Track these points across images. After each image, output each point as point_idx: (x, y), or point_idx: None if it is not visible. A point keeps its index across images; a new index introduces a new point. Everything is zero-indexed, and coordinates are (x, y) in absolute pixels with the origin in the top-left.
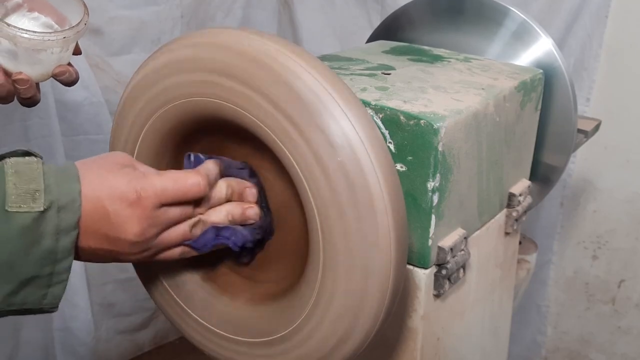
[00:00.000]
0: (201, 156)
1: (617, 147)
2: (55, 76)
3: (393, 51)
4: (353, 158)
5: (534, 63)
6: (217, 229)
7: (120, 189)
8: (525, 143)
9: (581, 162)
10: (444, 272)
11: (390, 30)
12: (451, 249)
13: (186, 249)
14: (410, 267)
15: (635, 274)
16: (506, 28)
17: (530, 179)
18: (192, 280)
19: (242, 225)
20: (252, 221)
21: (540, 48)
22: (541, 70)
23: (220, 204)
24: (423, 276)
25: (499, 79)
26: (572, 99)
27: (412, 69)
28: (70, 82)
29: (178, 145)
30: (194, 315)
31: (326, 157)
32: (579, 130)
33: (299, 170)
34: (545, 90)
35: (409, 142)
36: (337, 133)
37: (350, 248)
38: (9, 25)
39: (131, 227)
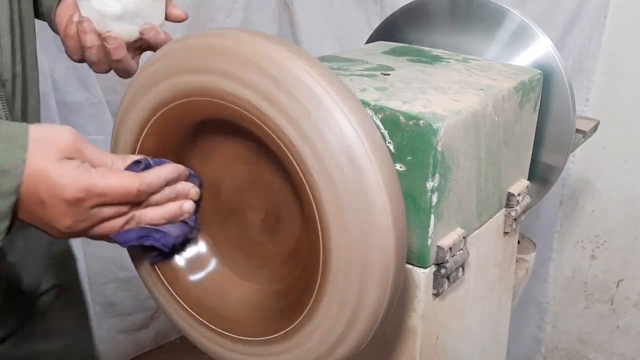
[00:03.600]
0: (151, 161)
1: (615, 147)
2: (142, 34)
3: (392, 52)
4: (353, 158)
5: (533, 64)
6: (148, 230)
7: (62, 187)
8: (524, 143)
9: (580, 162)
10: (443, 271)
11: (389, 31)
12: (450, 249)
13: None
14: (410, 266)
15: (633, 274)
16: (505, 29)
17: (528, 179)
18: (192, 279)
19: (179, 221)
20: (187, 215)
21: (539, 49)
22: (540, 71)
23: (160, 204)
24: (422, 275)
25: (497, 79)
26: (571, 99)
27: (411, 69)
28: (159, 42)
29: (179, 144)
30: (194, 314)
31: (326, 157)
32: (578, 130)
33: (298, 170)
34: (544, 90)
35: (408, 142)
36: (336, 133)
37: (349, 248)
38: None
39: (63, 221)
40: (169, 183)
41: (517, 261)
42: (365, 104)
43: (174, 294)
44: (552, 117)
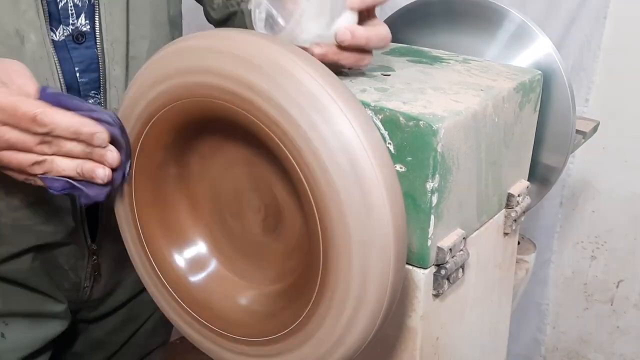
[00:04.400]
0: (67, 101)
1: (615, 147)
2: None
3: (392, 52)
4: (353, 159)
5: (533, 64)
6: (72, 186)
7: None
8: (524, 144)
9: (580, 163)
10: (443, 272)
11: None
12: (450, 249)
13: (35, 178)
14: (410, 267)
15: (633, 274)
16: (505, 29)
17: (528, 180)
18: (192, 280)
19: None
20: (99, 181)
21: (539, 49)
22: (540, 72)
23: (70, 155)
24: (422, 276)
25: (497, 80)
26: (571, 99)
27: (411, 70)
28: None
29: (180, 144)
30: (193, 314)
31: (326, 158)
32: (578, 131)
33: (299, 171)
34: (544, 91)
35: (408, 143)
36: (337, 134)
37: (349, 248)
38: None
39: None
40: (83, 138)
41: (517, 262)
42: (365, 104)
43: (173, 294)
44: (552, 118)
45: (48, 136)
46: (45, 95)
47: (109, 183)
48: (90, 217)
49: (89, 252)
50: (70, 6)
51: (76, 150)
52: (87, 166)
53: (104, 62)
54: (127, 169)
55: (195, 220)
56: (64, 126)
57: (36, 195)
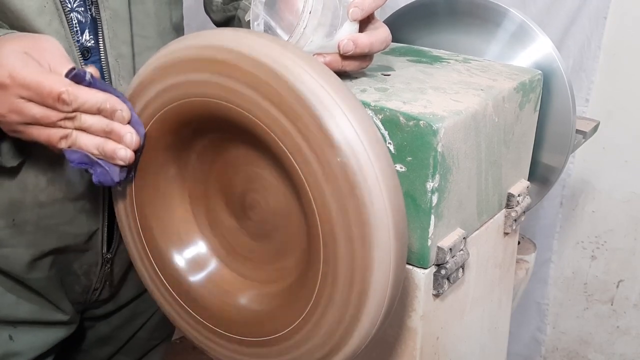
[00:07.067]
0: (93, 80)
1: (615, 147)
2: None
3: (392, 52)
4: (353, 159)
5: (533, 64)
6: (91, 160)
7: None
8: (524, 144)
9: (580, 163)
10: (443, 272)
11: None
12: (450, 249)
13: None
14: (410, 267)
15: (633, 274)
16: (505, 29)
17: (529, 180)
18: (192, 279)
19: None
20: (120, 162)
21: (539, 49)
22: (540, 71)
23: (93, 131)
24: (422, 276)
25: (497, 80)
26: (571, 99)
27: (411, 70)
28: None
29: (180, 142)
30: (193, 314)
31: (326, 158)
32: (578, 131)
33: (299, 171)
34: (544, 91)
35: (409, 142)
36: (337, 134)
37: (350, 248)
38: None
39: None
40: (105, 114)
41: (517, 262)
42: (366, 104)
43: (174, 294)
44: (552, 118)
45: (72, 112)
46: (75, 76)
47: (127, 167)
48: (108, 226)
49: (103, 260)
50: (75, 22)
51: (97, 126)
52: (109, 146)
53: (109, 77)
54: (136, 166)
55: (195, 220)
56: (88, 104)
57: (64, 192)
